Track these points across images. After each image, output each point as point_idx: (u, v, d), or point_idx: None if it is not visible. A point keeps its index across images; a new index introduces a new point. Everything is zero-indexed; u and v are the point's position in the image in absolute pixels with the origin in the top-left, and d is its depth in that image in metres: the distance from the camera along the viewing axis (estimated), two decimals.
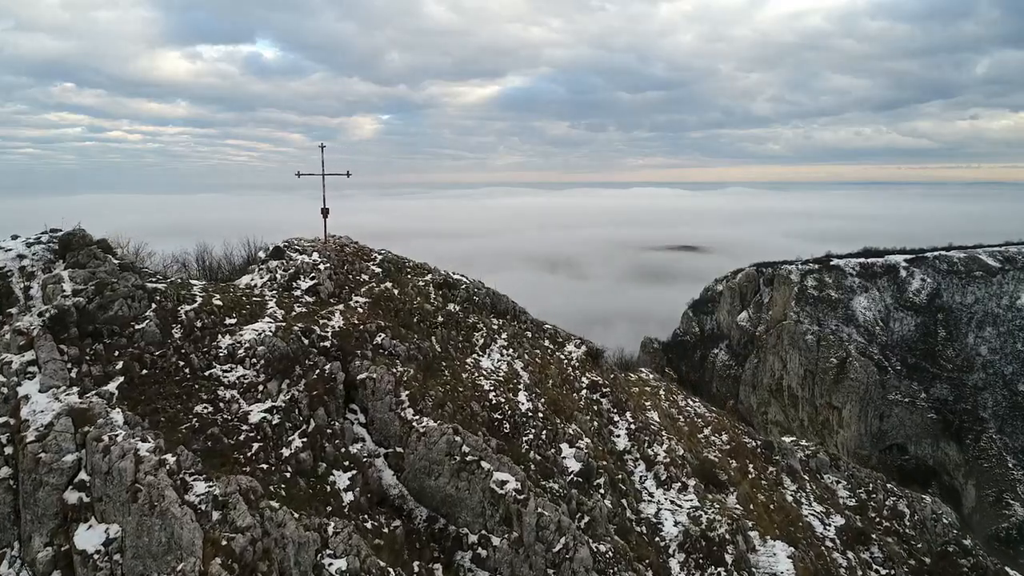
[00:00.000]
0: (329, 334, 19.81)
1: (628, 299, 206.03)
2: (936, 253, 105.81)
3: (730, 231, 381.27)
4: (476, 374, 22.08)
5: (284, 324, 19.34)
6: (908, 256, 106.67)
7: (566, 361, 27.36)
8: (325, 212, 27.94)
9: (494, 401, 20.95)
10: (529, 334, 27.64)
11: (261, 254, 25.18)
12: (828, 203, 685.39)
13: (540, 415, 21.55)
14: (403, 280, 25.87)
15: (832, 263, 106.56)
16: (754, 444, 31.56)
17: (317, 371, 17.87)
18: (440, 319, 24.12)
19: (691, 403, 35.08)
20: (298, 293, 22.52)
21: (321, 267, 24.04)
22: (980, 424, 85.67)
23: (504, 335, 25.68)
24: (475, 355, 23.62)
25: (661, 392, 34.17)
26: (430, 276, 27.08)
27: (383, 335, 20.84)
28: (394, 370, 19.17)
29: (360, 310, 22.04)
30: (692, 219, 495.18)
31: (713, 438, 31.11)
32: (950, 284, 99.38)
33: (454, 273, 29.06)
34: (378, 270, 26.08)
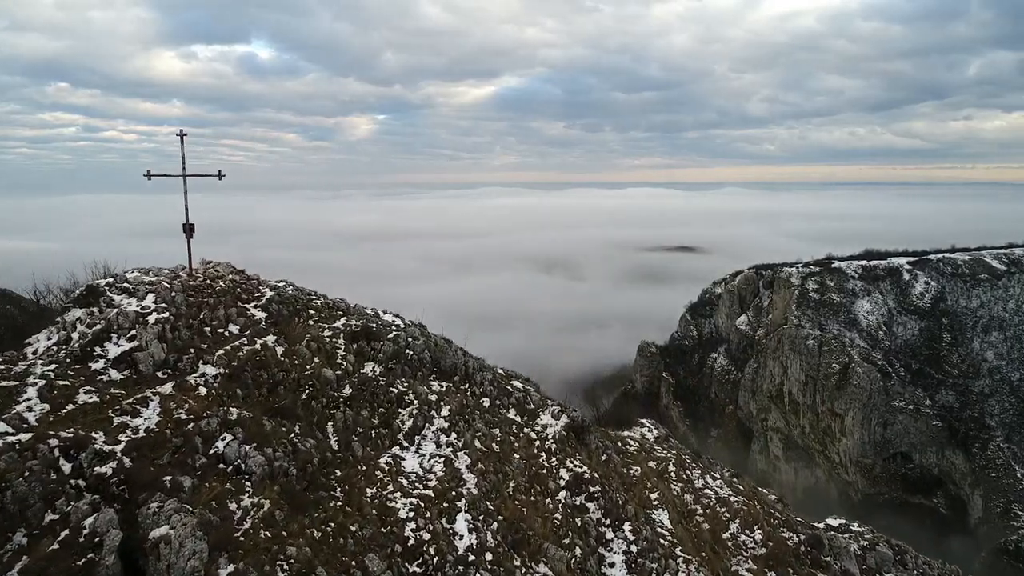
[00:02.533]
0: (118, 450, 11.68)
1: (625, 301, 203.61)
2: (939, 256, 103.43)
3: (727, 231, 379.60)
4: (391, 487, 14.62)
5: (34, 433, 11.37)
6: (911, 258, 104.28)
7: (538, 443, 19.19)
8: (188, 229, 20.28)
9: (413, 540, 13.42)
10: (487, 402, 19.65)
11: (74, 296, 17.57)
12: (825, 203, 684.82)
13: (489, 557, 14.20)
14: (296, 331, 18.19)
15: (833, 265, 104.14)
16: (796, 541, 24.16)
17: (67, 531, 9.90)
18: (347, 391, 16.52)
19: (710, 481, 25.94)
20: (100, 366, 14.26)
21: (151, 319, 15.75)
22: (987, 432, 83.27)
23: (447, 409, 17.85)
24: (396, 449, 16.07)
25: (671, 468, 24.61)
26: (343, 321, 19.40)
27: (231, 436, 12.96)
28: (228, 511, 11.35)
29: (203, 391, 14.38)
30: (689, 219, 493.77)
31: (743, 538, 23.66)
32: (954, 287, 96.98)
33: (384, 313, 21.96)
34: (260, 315, 18.32)
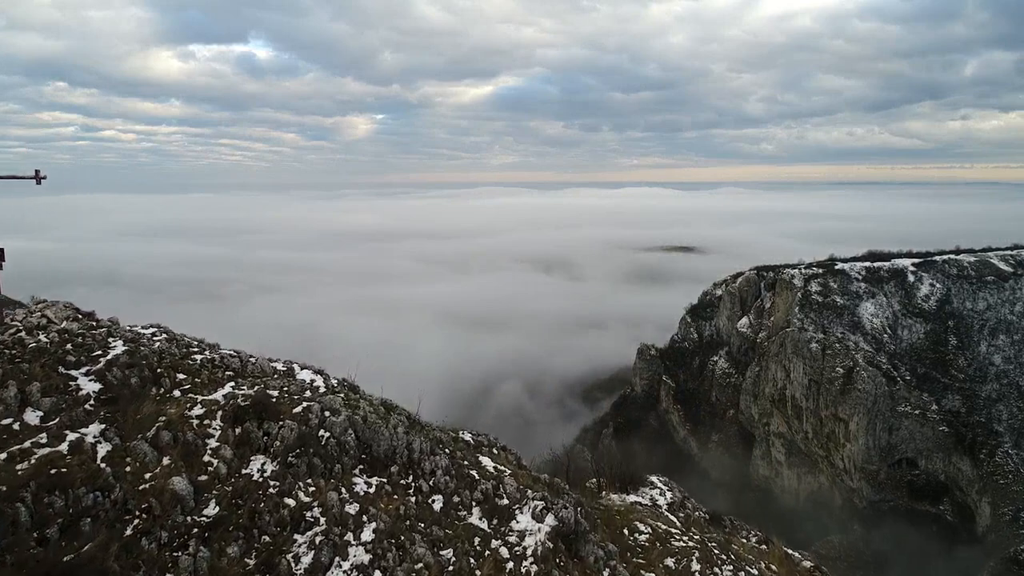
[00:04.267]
0: None
1: (624, 302, 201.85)
2: (944, 257, 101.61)
3: (727, 231, 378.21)
4: None
5: None
6: (915, 260, 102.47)
7: (512, 563, 12.36)
8: None
9: None
10: (439, 503, 13.24)
11: None
12: (825, 203, 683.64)
13: None
14: (145, 412, 12.48)
15: (836, 267, 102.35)
16: None
17: None
18: (213, 512, 10.78)
19: None
20: None
21: None
22: (995, 438, 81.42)
23: (373, 527, 11.69)
24: None
25: (694, 567, 15.38)
26: (227, 389, 13.75)
27: None
28: None
29: None
30: (688, 219, 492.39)
31: None
32: (960, 289, 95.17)
33: (301, 368, 16.21)
34: (92, 388, 12.71)
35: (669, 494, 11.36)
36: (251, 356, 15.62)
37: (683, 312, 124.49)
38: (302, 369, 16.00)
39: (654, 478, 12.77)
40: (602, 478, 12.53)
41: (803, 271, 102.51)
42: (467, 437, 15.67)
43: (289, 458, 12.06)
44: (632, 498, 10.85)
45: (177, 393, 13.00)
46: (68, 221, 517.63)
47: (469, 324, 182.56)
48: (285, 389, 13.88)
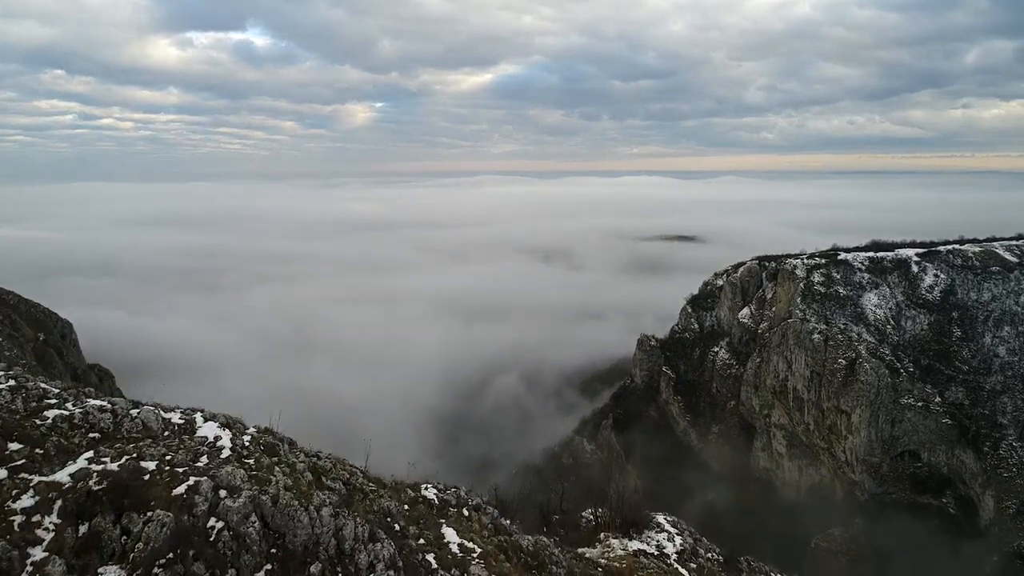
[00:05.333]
0: None
1: (623, 292, 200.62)
2: (949, 247, 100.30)
3: (727, 220, 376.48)
4: None
5: None
6: (919, 250, 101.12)
7: None
8: None
9: None
10: None
11: None
12: (826, 192, 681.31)
13: None
14: None
15: (839, 257, 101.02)
16: None
17: None
18: None
19: None
20: None
21: None
22: (999, 430, 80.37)
23: None
24: None
25: None
26: (67, 472, 9.80)
27: None
28: None
29: None
30: (688, 208, 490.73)
31: None
32: (965, 280, 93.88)
33: (171, 412, 12.49)
34: None
35: (679, 539, 9.05)
36: (135, 408, 11.52)
37: (683, 302, 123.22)
38: (205, 421, 11.68)
39: (661, 518, 9.84)
40: (600, 516, 10.22)
41: (805, 261, 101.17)
42: (431, 494, 11.87)
43: (155, 569, 8.24)
44: (635, 545, 8.91)
45: (3, 473, 9.09)
46: (66, 210, 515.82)
47: (467, 315, 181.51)
48: (169, 458, 9.98)
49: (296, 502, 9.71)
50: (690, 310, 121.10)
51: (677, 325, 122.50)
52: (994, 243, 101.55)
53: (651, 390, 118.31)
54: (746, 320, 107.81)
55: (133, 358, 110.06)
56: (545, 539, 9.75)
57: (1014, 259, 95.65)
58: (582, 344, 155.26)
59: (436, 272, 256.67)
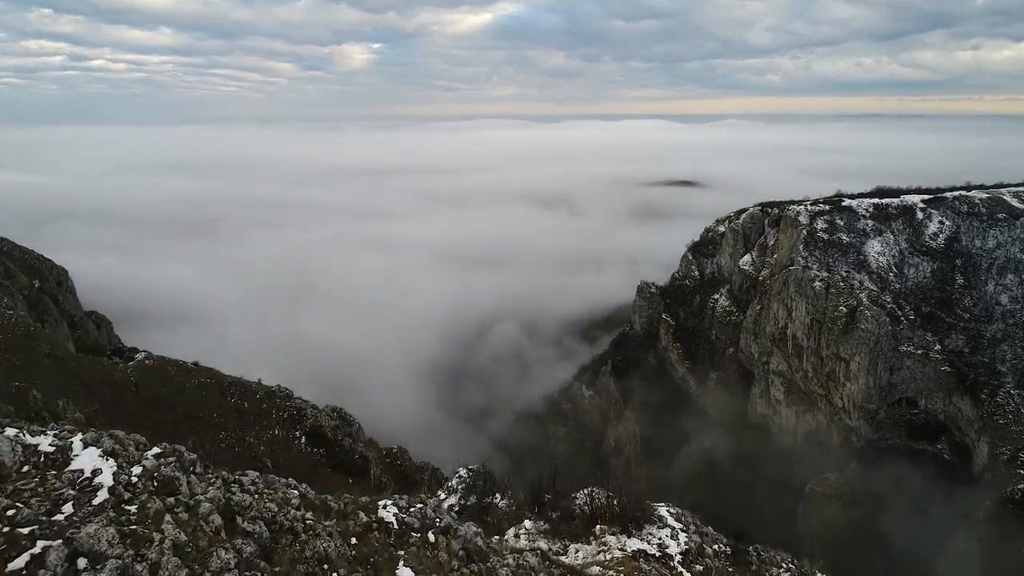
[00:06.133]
0: None
1: (623, 239, 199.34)
2: (955, 193, 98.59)
3: (729, 166, 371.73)
4: None
5: None
6: (925, 196, 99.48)
7: None
8: None
9: None
10: None
11: None
12: (831, 136, 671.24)
13: None
14: None
15: (843, 203, 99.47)
16: None
17: None
18: None
19: None
20: None
21: None
22: (997, 378, 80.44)
23: None
24: None
25: None
26: None
27: None
28: None
29: None
30: (690, 153, 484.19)
31: None
32: (970, 227, 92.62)
33: (41, 435, 8.82)
34: None
35: (683, 536, 7.36)
36: None
37: (684, 249, 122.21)
38: (85, 448, 8.45)
39: (663, 510, 7.97)
40: (596, 499, 8.73)
41: (809, 208, 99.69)
42: (390, 514, 8.87)
43: None
44: (635, 543, 7.62)
45: None
46: (59, 154, 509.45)
47: (466, 263, 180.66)
48: (11, 513, 7.00)
49: (185, 569, 6.97)
50: (690, 257, 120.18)
51: (677, 272, 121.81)
52: (1001, 189, 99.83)
53: (650, 337, 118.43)
54: (747, 267, 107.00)
55: (131, 306, 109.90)
56: (531, 558, 7.83)
57: (1021, 206, 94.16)
58: (582, 291, 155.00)
59: (435, 219, 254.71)
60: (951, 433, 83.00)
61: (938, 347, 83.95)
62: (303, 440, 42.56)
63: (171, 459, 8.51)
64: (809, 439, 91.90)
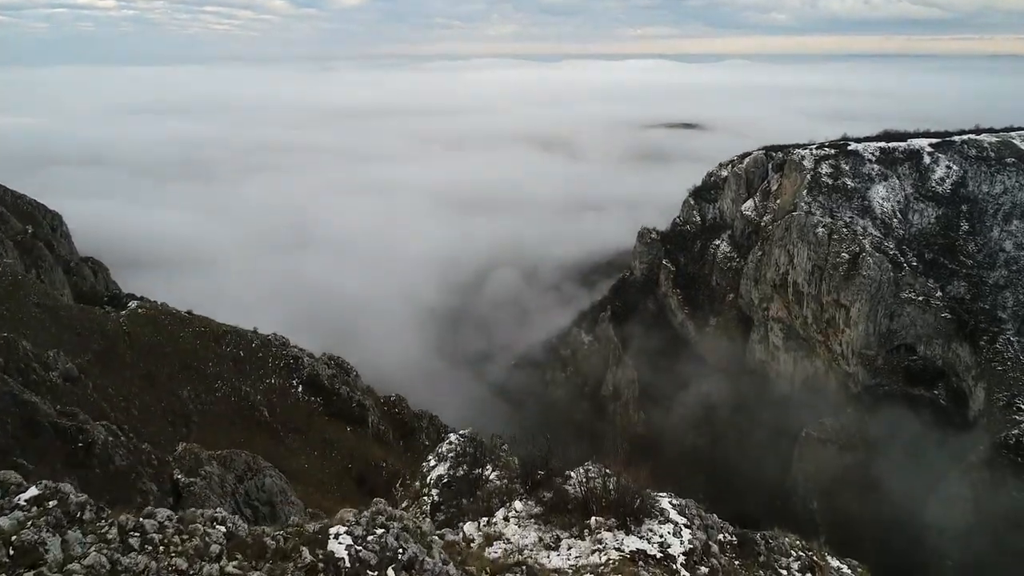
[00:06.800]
0: None
1: (624, 183, 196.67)
2: (964, 137, 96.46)
3: (733, 108, 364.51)
4: None
5: None
6: (933, 140, 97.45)
7: None
8: None
9: None
10: None
11: None
12: (838, 77, 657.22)
13: None
14: None
15: (849, 147, 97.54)
16: None
17: None
18: None
19: None
20: None
21: None
22: (997, 325, 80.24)
23: None
24: None
25: None
26: None
27: None
28: None
29: None
30: (693, 94, 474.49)
31: None
32: (978, 172, 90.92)
33: None
34: None
35: (687, 533, 6.33)
36: None
37: (685, 194, 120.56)
38: None
39: (665, 502, 6.66)
40: (591, 480, 7.71)
41: (814, 152, 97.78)
42: (341, 548, 6.85)
43: None
44: (633, 542, 6.60)
45: None
46: (50, 95, 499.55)
47: (464, 207, 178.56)
48: None
49: None
50: (692, 202, 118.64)
51: (678, 217, 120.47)
52: (1012, 133, 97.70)
53: (650, 283, 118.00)
54: (749, 212, 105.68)
55: (128, 251, 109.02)
56: None
57: None
58: (582, 237, 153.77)
59: (433, 162, 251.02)
60: (948, 379, 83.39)
61: (939, 294, 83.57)
62: (300, 389, 42.39)
63: (51, 504, 6.24)
64: (806, 385, 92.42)
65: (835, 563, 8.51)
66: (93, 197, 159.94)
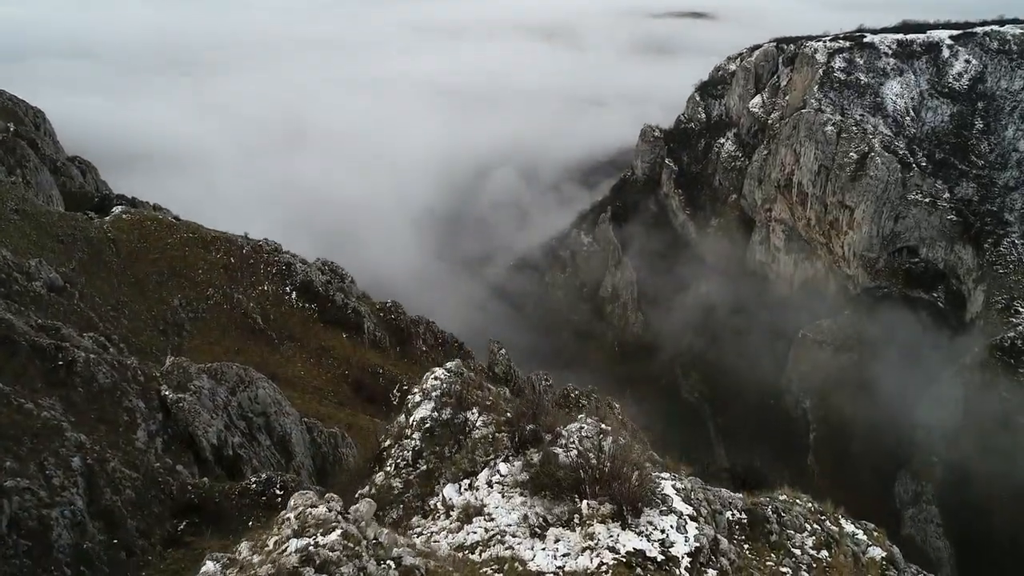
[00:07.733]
0: None
1: (628, 76, 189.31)
2: (987, 28, 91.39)
3: None
4: None
5: None
6: (953, 31, 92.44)
7: None
8: None
9: None
10: None
11: None
12: None
13: None
14: None
15: (865, 40, 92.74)
16: None
17: None
18: None
19: None
20: None
21: None
22: (1003, 227, 79.03)
23: None
24: None
25: None
26: None
27: None
28: None
29: None
30: None
31: None
32: (998, 67, 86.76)
33: None
34: None
35: (693, 527, 5.47)
36: None
37: (691, 89, 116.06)
38: None
39: (668, 487, 5.58)
40: (586, 458, 6.80)
41: (828, 44, 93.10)
42: None
43: None
44: (631, 539, 5.67)
45: None
46: None
47: (462, 103, 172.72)
48: None
49: None
50: (698, 98, 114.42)
51: (683, 114, 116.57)
52: None
53: (652, 183, 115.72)
54: (757, 109, 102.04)
55: (117, 149, 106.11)
56: None
57: None
58: (582, 134, 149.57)
59: (429, 54, 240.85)
60: (948, 282, 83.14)
61: (947, 195, 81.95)
62: (294, 295, 41.80)
63: None
64: (805, 287, 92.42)
65: (849, 527, 7.96)
66: (78, 91, 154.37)
